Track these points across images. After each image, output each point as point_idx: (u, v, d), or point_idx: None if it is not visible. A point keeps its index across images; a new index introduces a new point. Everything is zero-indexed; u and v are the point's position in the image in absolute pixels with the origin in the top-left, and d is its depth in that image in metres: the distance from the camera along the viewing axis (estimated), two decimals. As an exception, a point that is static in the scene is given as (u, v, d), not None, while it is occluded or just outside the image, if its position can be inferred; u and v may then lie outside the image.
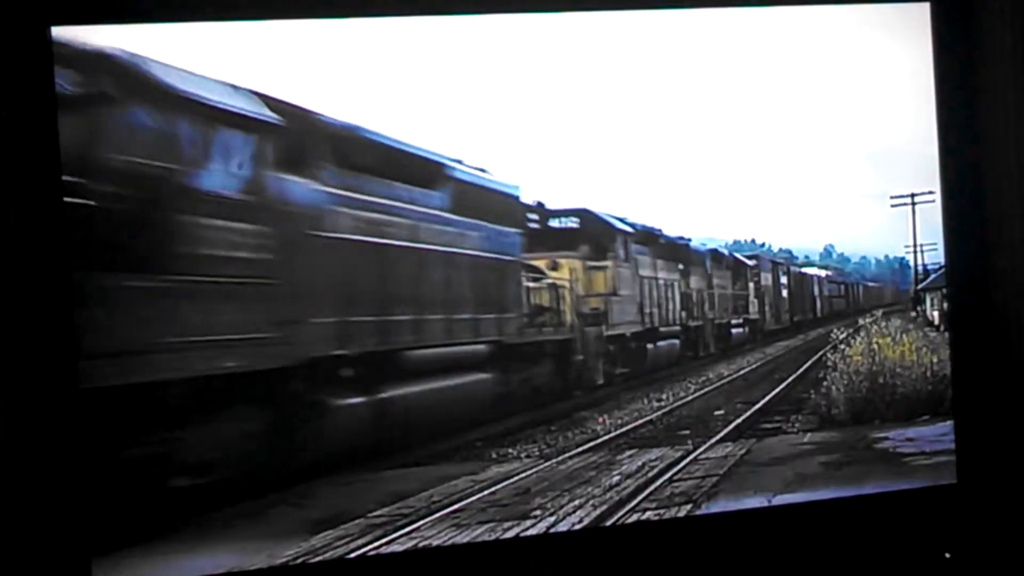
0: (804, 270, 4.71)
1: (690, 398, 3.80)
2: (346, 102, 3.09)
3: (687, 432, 3.44)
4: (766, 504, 3.20)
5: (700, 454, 3.35)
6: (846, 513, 3.21)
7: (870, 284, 4.53)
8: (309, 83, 3.04)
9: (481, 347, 3.57)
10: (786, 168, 3.49)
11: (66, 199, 2.64)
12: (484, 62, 3.11)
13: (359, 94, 3.08)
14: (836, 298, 4.77)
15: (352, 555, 2.88)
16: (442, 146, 3.40)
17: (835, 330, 4.03)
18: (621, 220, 4.10)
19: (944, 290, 3.47)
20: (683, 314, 4.27)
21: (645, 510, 3.13)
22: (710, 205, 3.54)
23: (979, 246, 3.28)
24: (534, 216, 3.69)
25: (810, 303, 4.68)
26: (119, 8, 2.73)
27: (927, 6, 3.27)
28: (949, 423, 3.33)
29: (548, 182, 3.43)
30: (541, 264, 3.81)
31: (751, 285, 4.63)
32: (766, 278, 4.64)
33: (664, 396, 3.80)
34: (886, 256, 3.97)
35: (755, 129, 3.42)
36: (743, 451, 3.39)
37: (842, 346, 3.78)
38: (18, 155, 2.61)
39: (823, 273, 4.70)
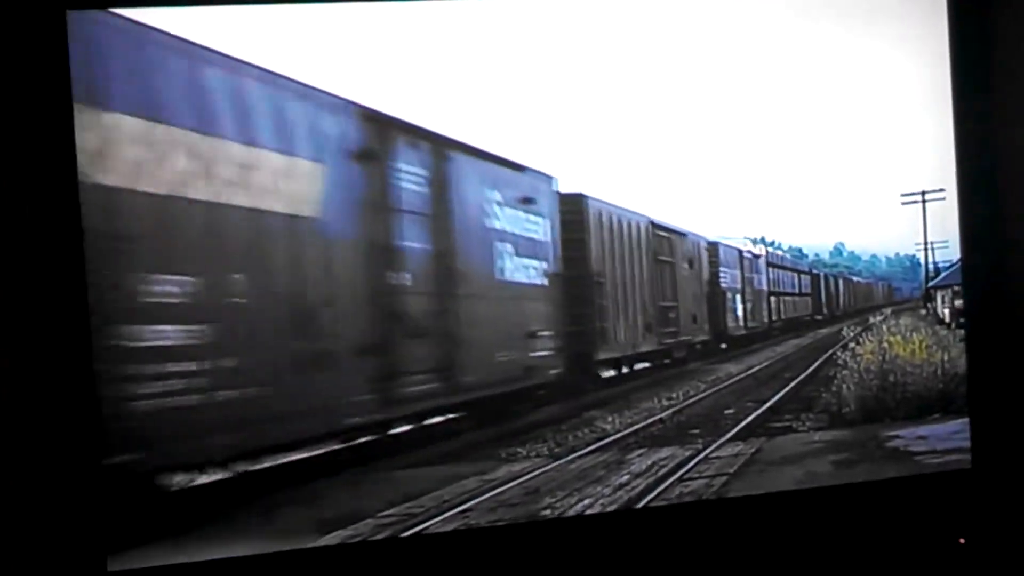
0: (698, 235, 2.87)
1: (700, 396, 3.79)
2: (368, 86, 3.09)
3: (697, 431, 3.43)
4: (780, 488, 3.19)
5: (710, 453, 3.34)
6: (861, 499, 3.21)
7: (855, 279, 3.46)
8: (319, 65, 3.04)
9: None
10: (796, 166, 3.48)
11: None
12: (497, 49, 3.12)
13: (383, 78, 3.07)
14: (789, 297, 3.15)
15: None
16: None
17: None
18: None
19: (955, 288, 3.45)
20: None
21: (655, 509, 3.13)
22: (719, 203, 3.53)
23: (995, 243, 3.26)
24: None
25: (715, 308, 2.96)
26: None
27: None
28: (961, 421, 3.32)
29: (555, 172, 3.44)
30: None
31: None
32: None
33: (674, 395, 3.78)
34: (896, 254, 3.95)
35: (765, 126, 3.41)
36: (753, 450, 3.38)
37: (852, 344, 3.77)
38: (35, 144, 2.62)
39: (752, 250, 3.04)
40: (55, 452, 2.66)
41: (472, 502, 3.08)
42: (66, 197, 2.60)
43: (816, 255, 4.05)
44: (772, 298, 3.19)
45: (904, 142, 3.39)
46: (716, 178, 3.47)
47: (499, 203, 2.66)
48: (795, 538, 3.12)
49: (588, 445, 3.37)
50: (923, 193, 3.45)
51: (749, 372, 3.09)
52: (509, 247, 2.69)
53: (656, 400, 3.37)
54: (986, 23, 3.23)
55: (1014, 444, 3.22)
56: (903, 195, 3.47)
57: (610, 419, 3.52)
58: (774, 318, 3.25)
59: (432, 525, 2.99)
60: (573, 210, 2.81)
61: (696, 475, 3.26)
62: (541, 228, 2.77)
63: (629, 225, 2.84)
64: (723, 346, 3.32)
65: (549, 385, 2.81)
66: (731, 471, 3.27)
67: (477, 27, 3.05)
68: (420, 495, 3.09)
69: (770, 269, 3.13)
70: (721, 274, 3.00)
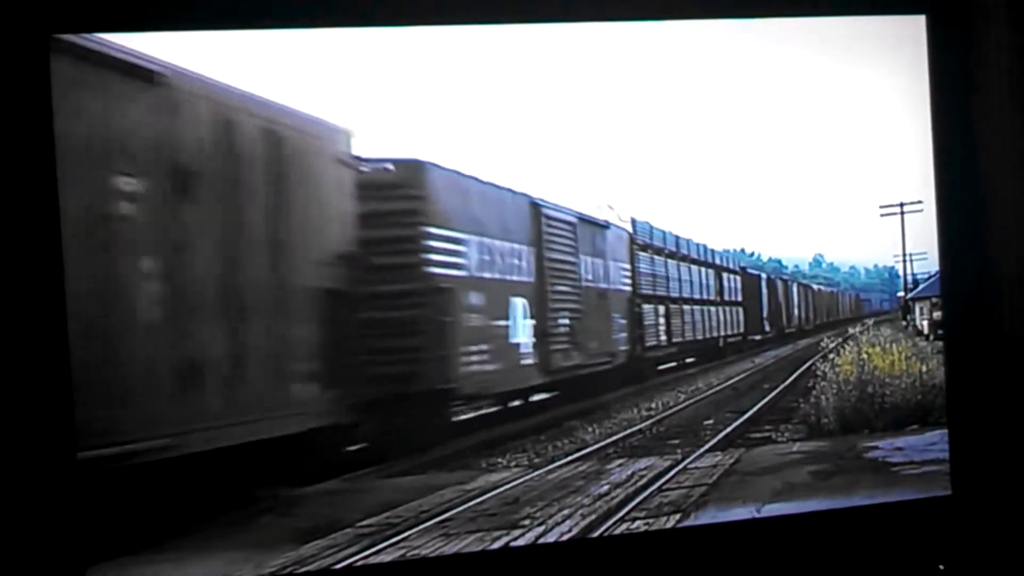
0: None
1: (680, 407, 3.80)
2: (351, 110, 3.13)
3: (677, 441, 3.43)
4: (755, 514, 3.19)
5: (689, 463, 3.35)
6: (840, 525, 3.21)
7: (817, 287, 2.78)
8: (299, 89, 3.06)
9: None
10: (776, 178, 3.50)
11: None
12: (487, 71, 3.14)
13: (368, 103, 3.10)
14: (696, 306, 2.16)
15: (340, 564, 2.88)
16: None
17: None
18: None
19: (933, 299, 3.47)
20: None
21: (634, 519, 3.12)
22: (700, 214, 3.55)
23: (974, 255, 3.27)
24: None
25: (401, 329, 1.91)
26: (120, 16, 2.74)
27: (923, 18, 3.27)
28: (939, 432, 3.32)
29: (545, 184, 3.47)
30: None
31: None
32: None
33: (654, 405, 3.79)
34: (875, 265, 3.97)
35: (745, 139, 3.43)
36: (732, 460, 3.39)
37: (831, 355, 3.79)
38: (16, 159, 2.62)
39: (589, 213, 1.92)
40: (33, 461, 2.64)
41: (451, 512, 3.07)
42: (46, 216, 2.62)
43: (796, 266, 4.04)
44: (652, 307, 2.23)
45: (883, 155, 3.42)
46: (697, 189, 3.49)
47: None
48: (774, 566, 3.12)
49: (568, 455, 3.37)
50: (901, 205, 3.48)
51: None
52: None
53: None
54: (964, 39, 3.26)
55: (995, 464, 3.22)
56: (882, 207, 3.50)
57: (590, 429, 3.53)
58: (654, 343, 2.32)
59: (411, 535, 2.98)
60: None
61: (675, 485, 3.27)
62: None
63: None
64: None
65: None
66: (710, 481, 3.28)
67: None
68: (399, 505, 3.08)
69: (656, 257, 2.08)
70: (437, 247, 1.83)
